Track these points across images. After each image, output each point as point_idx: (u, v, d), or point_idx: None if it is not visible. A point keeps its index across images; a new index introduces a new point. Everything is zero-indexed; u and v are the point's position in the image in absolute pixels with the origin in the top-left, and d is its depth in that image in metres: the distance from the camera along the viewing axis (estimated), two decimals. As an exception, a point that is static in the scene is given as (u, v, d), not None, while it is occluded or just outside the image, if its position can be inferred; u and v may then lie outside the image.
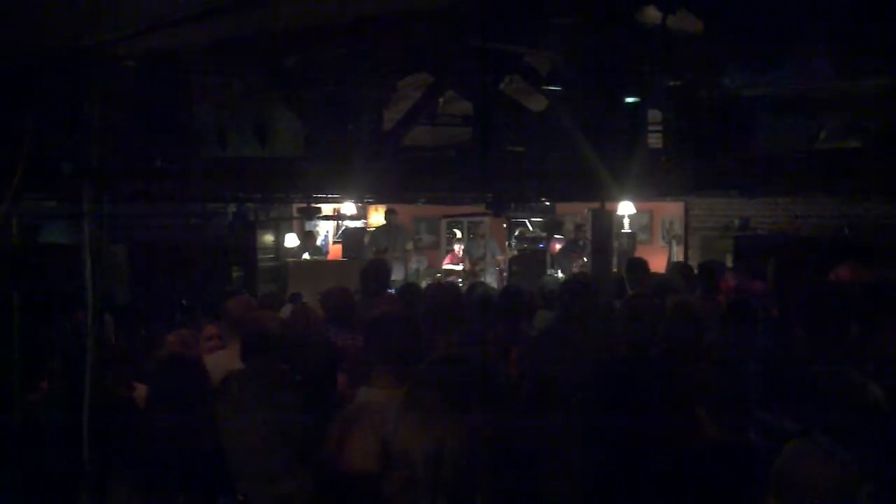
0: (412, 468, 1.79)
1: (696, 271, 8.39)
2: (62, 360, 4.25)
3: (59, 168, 4.71)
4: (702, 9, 5.05)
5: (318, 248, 14.66)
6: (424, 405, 1.87)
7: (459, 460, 1.78)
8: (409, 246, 14.23)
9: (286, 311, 6.21)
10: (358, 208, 14.59)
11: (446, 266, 14.48)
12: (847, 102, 5.34)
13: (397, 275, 12.52)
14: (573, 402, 2.78)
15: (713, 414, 3.08)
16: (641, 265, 7.99)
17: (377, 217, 14.92)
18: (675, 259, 13.28)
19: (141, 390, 4.30)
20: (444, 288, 6.55)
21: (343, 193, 10.19)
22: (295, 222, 14.19)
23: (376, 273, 6.20)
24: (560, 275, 12.85)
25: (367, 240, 13.91)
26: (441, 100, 9.02)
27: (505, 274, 13.70)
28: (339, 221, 14.85)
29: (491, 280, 13.84)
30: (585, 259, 12.77)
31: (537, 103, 7.78)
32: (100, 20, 2.97)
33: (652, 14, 5.31)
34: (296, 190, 9.44)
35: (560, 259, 13.54)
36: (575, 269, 12.62)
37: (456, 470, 1.77)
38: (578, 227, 13.43)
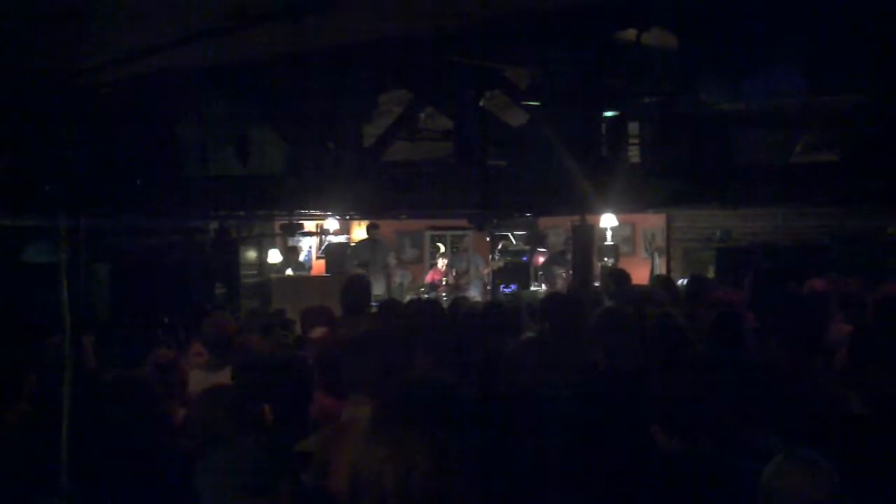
0: (383, 492, 1.78)
1: (678, 283, 8.42)
2: (40, 381, 4.24)
3: (38, 188, 4.72)
4: (675, 26, 5.12)
5: (301, 263, 14.62)
6: (392, 428, 1.85)
7: (430, 483, 1.77)
8: (392, 261, 14.21)
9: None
10: (341, 223, 14.58)
11: (428, 282, 14.50)
12: (821, 117, 5.41)
13: (378, 289, 12.50)
14: (550, 417, 2.79)
15: (690, 429, 3.09)
16: (621, 276, 8.01)
17: (360, 232, 14.91)
18: (657, 271, 13.33)
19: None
20: (425, 304, 6.53)
21: (325, 209, 10.20)
22: (278, 238, 14.16)
23: (357, 289, 6.19)
24: (544, 287, 12.90)
25: (349, 253, 13.91)
26: (421, 115, 9.07)
27: (489, 287, 13.72)
28: (323, 237, 14.83)
29: (475, 293, 13.85)
30: (561, 274, 12.85)
31: (517, 118, 7.84)
32: (81, 48, 2.99)
33: (627, 31, 5.37)
34: (278, 207, 9.46)
35: (545, 271, 13.59)
36: (560, 282, 12.66)
37: (427, 493, 1.76)
38: (568, 240, 13.49)
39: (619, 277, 8.07)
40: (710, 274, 10.89)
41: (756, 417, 3.27)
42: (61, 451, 2.46)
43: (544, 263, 13.70)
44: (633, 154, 6.79)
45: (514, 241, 14.52)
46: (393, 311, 6.16)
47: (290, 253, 14.33)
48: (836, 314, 5.14)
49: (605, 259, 12.96)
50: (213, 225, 10.94)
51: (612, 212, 12.14)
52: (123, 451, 3.08)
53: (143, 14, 3.18)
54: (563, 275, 12.93)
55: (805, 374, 3.78)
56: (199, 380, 4.93)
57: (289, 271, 13.94)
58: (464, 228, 13.58)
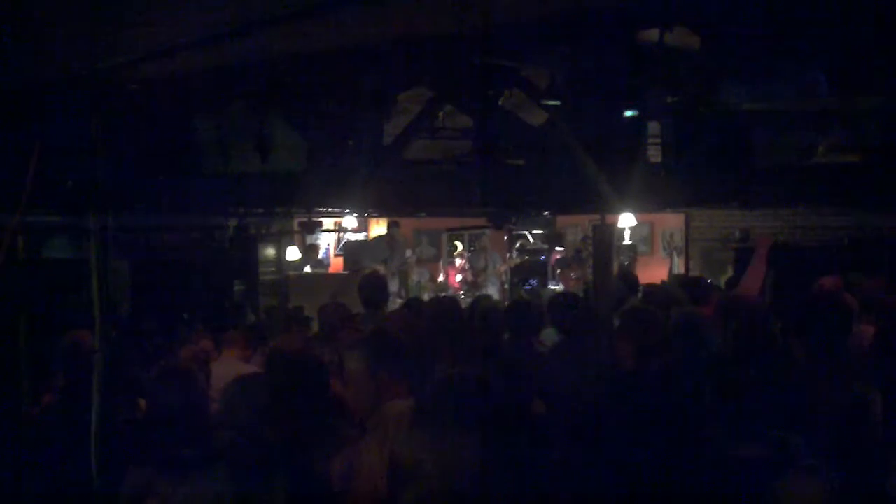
0: (426, 482, 1.81)
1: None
2: (65, 374, 4.28)
3: (64, 184, 4.77)
4: (699, 26, 5.11)
5: (319, 261, 14.68)
6: (434, 422, 1.89)
7: (473, 472, 1.80)
8: (411, 258, 14.24)
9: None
10: (359, 221, 14.62)
11: (445, 280, 14.56)
12: (844, 118, 5.39)
13: (394, 286, 12.55)
14: (580, 417, 2.80)
15: (715, 427, 3.09)
16: (628, 278, 7.94)
17: (378, 230, 14.96)
18: (675, 271, 13.29)
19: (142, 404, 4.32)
20: (445, 302, 6.54)
21: (344, 207, 10.23)
22: (296, 235, 14.22)
23: (374, 286, 6.21)
24: (561, 286, 12.89)
25: (365, 249, 13.94)
26: (441, 114, 9.08)
27: (506, 285, 13.73)
28: (341, 234, 14.87)
29: (493, 291, 13.89)
30: (575, 273, 12.81)
31: (536, 117, 7.84)
32: (106, 47, 3.02)
33: (650, 30, 5.37)
34: (297, 204, 9.49)
35: (556, 269, 13.62)
36: (573, 280, 12.66)
37: (470, 482, 1.79)
38: (585, 238, 13.49)
39: (626, 280, 8.00)
40: (729, 273, 10.83)
41: (778, 418, 3.27)
42: (91, 443, 2.50)
43: (554, 265, 13.72)
44: (654, 154, 6.77)
45: (531, 240, 14.53)
46: (418, 308, 6.19)
47: (309, 250, 14.38)
48: (860, 316, 5.12)
49: (622, 259, 12.93)
50: (232, 222, 10.98)
51: (632, 211, 12.10)
52: (166, 441, 3.10)
53: (170, 12, 3.21)
54: (571, 275, 12.93)
55: (828, 376, 3.77)
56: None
57: (307, 269, 14.00)
58: (482, 227, 13.60)
